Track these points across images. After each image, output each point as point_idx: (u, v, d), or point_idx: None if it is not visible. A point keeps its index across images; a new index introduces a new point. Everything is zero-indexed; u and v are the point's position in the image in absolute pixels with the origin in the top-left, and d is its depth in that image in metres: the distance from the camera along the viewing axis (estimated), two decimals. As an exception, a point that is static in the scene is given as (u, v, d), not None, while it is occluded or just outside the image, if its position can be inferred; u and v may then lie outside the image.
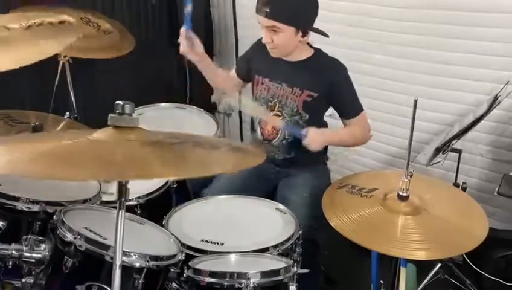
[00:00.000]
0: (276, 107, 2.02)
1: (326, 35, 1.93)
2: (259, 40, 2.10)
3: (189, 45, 1.99)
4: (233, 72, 2.24)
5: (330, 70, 1.97)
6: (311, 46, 2.02)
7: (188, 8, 1.92)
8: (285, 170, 2.10)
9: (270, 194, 2.04)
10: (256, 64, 2.09)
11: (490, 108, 1.97)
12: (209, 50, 3.38)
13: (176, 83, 3.35)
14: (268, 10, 1.81)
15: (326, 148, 2.13)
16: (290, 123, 2.00)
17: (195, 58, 2.05)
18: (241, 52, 3.09)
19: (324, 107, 2.05)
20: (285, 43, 1.90)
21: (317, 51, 2.02)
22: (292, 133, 1.97)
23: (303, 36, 1.91)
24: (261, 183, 2.06)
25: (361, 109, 2.01)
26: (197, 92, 3.33)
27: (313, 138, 1.88)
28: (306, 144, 1.88)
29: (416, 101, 1.36)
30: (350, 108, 2.00)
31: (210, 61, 2.17)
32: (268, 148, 2.06)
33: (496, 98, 1.99)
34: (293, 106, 1.99)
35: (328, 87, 1.95)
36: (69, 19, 1.94)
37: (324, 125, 2.10)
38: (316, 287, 2.08)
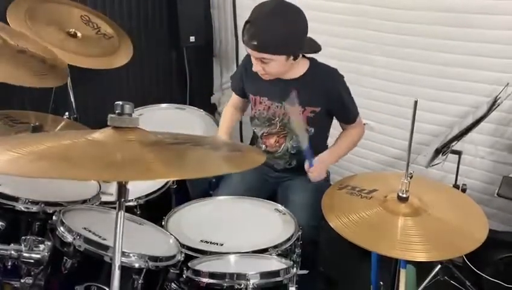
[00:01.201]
0: (278, 125, 2.00)
1: (318, 51, 1.90)
2: (249, 55, 2.08)
3: None
4: (235, 99, 2.20)
5: (328, 82, 1.93)
6: (304, 56, 1.94)
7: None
8: (285, 175, 2.10)
9: (271, 196, 2.03)
10: (251, 83, 2.03)
11: (490, 110, 1.97)
12: (209, 51, 3.39)
13: (175, 83, 3.35)
14: (255, 43, 1.73)
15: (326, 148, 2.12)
16: (296, 138, 1.98)
17: None
18: (241, 54, 3.10)
19: (328, 119, 2.04)
20: (277, 70, 1.85)
21: (313, 63, 1.95)
22: (306, 155, 1.91)
23: (295, 59, 1.84)
24: (262, 186, 2.06)
25: (358, 113, 2.03)
26: (196, 93, 3.33)
27: (319, 171, 1.90)
28: (310, 174, 1.89)
29: (416, 102, 1.35)
30: (351, 115, 2.01)
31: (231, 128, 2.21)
32: (269, 158, 2.05)
33: (495, 100, 1.99)
34: (307, 138, 1.96)
35: (328, 99, 1.93)
36: (62, 63, 1.96)
37: (327, 136, 2.11)
38: (316, 289, 2.07)
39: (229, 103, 2.24)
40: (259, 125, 2.06)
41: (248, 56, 2.09)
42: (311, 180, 1.90)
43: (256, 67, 1.85)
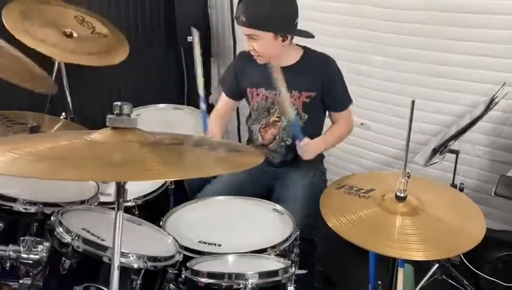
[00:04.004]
0: (276, 113, 2.03)
1: (311, 36, 1.94)
2: (241, 53, 2.13)
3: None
4: (223, 99, 2.21)
5: (323, 67, 1.99)
6: (298, 45, 2.03)
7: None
8: (281, 171, 2.10)
9: (266, 194, 2.04)
10: (247, 77, 2.07)
11: (487, 109, 1.97)
12: (207, 51, 3.39)
13: (173, 83, 3.35)
14: (244, 19, 1.84)
15: None
16: (288, 127, 2.02)
17: None
18: (238, 53, 3.10)
19: (323, 106, 2.06)
20: (267, 49, 1.92)
21: (306, 50, 2.02)
22: (295, 132, 1.97)
23: (283, 41, 1.91)
24: (257, 184, 2.07)
25: (351, 101, 2.08)
26: (194, 93, 3.32)
27: (311, 147, 1.94)
28: (301, 151, 1.94)
29: (413, 102, 1.36)
30: (342, 101, 2.06)
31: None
32: (265, 152, 2.06)
33: (492, 99, 1.99)
34: (293, 108, 1.99)
35: (323, 84, 1.98)
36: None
37: (321, 123, 2.12)
38: (314, 288, 2.08)
39: (214, 112, 2.22)
40: (256, 119, 2.09)
41: (240, 54, 2.13)
42: (302, 157, 1.95)
43: (248, 46, 1.93)
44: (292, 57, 2.00)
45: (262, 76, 2.00)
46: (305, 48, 2.02)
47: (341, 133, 2.11)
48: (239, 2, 1.88)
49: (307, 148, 1.94)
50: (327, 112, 2.10)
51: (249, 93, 2.07)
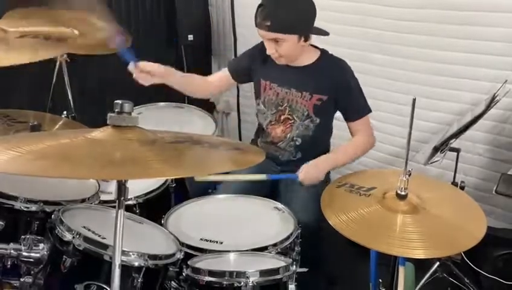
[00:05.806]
0: (287, 111, 2.01)
1: (326, 34, 1.94)
2: (262, 43, 2.09)
3: (146, 75, 2.01)
4: (220, 72, 2.19)
5: (338, 72, 1.97)
6: (316, 47, 2.01)
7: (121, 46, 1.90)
8: (288, 169, 2.09)
9: (270, 192, 2.04)
10: (262, 68, 2.06)
11: (488, 107, 1.97)
12: (208, 49, 3.39)
13: (174, 82, 3.34)
14: (269, 24, 1.81)
15: (328, 148, 2.13)
16: (301, 128, 2.01)
17: (161, 80, 2.06)
18: (239, 51, 3.09)
19: (333, 110, 2.05)
20: (290, 51, 1.90)
21: (324, 53, 2.01)
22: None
23: (305, 41, 1.91)
24: (263, 182, 2.06)
25: (369, 110, 2.02)
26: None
27: (306, 176, 1.87)
28: (302, 181, 1.88)
29: (414, 100, 1.35)
30: (358, 109, 2.01)
31: (176, 72, 2.15)
32: (273, 149, 2.06)
33: (494, 97, 1.99)
34: (303, 110, 1.99)
35: (336, 89, 1.96)
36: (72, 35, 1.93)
37: (330, 129, 2.11)
38: (315, 286, 2.07)
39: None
40: (265, 113, 2.07)
41: (261, 44, 2.10)
42: (304, 184, 1.88)
43: (270, 49, 1.91)
44: (308, 58, 1.98)
45: (278, 72, 2.01)
46: (322, 51, 2.01)
47: (357, 147, 2.02)
48: (259, 6, 1.85)
49: (303, 176, 1.88)
50: (346, 122, 2.04)
51: (261, 85, 2.06)
